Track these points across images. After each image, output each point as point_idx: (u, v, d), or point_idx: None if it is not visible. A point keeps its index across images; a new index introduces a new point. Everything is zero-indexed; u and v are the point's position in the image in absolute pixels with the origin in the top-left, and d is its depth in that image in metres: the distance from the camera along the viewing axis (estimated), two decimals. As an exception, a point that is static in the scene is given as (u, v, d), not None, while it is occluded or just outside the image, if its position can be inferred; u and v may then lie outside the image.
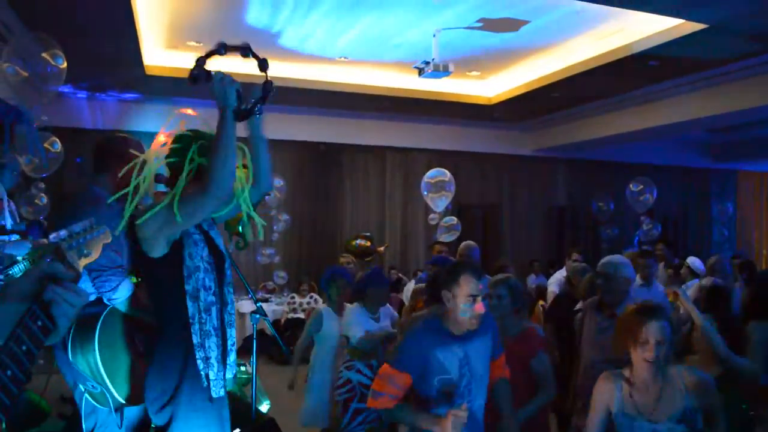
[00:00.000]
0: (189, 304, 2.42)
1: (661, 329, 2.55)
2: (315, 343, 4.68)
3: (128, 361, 2.64)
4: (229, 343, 2.58)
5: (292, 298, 9.40)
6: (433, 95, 9.88)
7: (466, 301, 2.67)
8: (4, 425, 1.01)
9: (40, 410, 4.93)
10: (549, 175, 12.87)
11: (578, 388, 3.87)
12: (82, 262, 1.37)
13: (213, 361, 2.45)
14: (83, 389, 2.70)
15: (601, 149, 11.98)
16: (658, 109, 9.33)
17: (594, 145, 11.46)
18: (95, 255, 1.42)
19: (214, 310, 2.49)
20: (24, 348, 1.06)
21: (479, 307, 2.67)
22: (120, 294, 2.65)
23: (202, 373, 2.41)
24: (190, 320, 2.41)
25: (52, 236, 1.34)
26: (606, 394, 2.74)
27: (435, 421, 2.56)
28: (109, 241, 1.51)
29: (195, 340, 2.40)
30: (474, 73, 9.36)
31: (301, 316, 8.79)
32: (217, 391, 2.45)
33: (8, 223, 3.45)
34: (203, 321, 2.44)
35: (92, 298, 2.65)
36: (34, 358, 1.09)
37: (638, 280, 5.67)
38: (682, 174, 13.55)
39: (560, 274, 7.68)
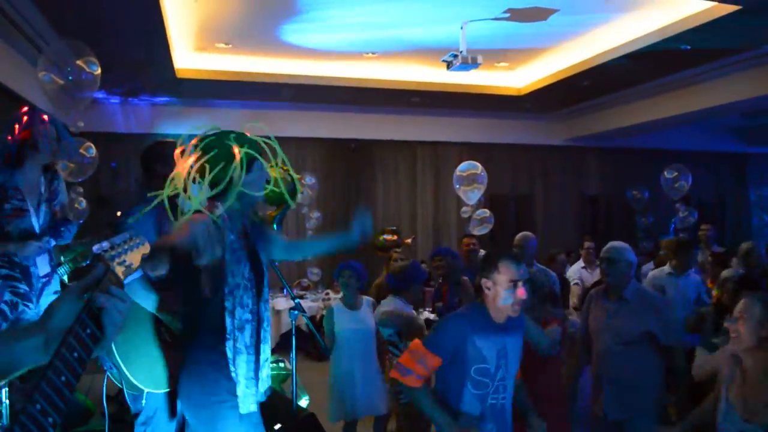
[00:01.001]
0: (227, 320, 2.45)
1: None
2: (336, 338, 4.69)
3: (149, 349, 2.71)
4: (263, 358, 2.62)
5: (327, 294, 9.45)
6: (462, 88, 9.83)
7: (508, 287, 2.65)
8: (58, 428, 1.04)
9: (86, 409, 5.05)
10: (581, 164, 12.73)
11: (597, 376, 3.90)
12: (124, 273, 1.40)
13: (241, 378, 2.48)
14: (107, 369, 2.78)
15: (633, 137, 11.81)
16: (691, 95, 9.16)
17: (626, 132, 11.30)
18: (135, 266, 1.46)
19: (248, 327, 2.52)
20: (75, 355, 1.10)
21: (521, 292, 2.66)
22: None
23: (234, 387, 2.46)
24: (227, 336, 2.45)
25: (95, 247, 1.37)
26: None
27: (452, 425, 2.58)
28: (148, 252, 1.54)
29: (229, 355, 2.45)
30: (503, 64, 9.29)
31: (337, 312, 8.83)
32: (246, 407, 2.48)
33: (37, 226, 3.55)
34: (236, 338, 2.47)
35: None
36: (85, 365, 1.12)
37: (667, 268, 5.60)
38: (717, 159, 13.27)
39: (578, 265, 7.63)
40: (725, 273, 5.44)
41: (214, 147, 2.48)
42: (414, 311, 4.64)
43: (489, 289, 2.70)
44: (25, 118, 3.52)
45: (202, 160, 2.44)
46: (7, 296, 3.34)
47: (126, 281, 2.67)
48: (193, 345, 2.48)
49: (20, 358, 1.16)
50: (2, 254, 3.35)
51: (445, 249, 5.60)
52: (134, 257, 1.46)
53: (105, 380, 2.82)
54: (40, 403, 0.99)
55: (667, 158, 10.50)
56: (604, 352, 3.80)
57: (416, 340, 2.81)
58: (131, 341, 2.69)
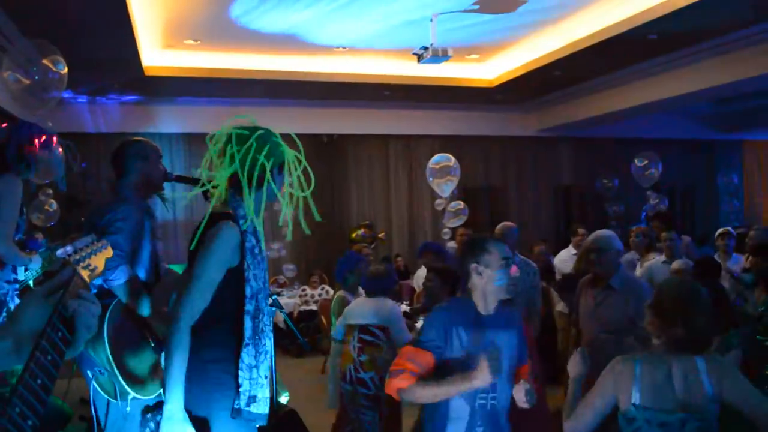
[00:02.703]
0: (248, 325, 2.33)
1: None
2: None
3: (138, 351, 2.69)
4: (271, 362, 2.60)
5: (304, 290, 9.43)
6: (433, 81, 9.87)
7: (500, 267, 2.55)
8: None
9: (63, 413, 4.98)
10: (554, 154, 12.85)
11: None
12: (89, 277, 1.40)
13: (263, 380, 2.39)
14: (90, 375, 2.74)
15: (605, 126, 11.94)
16: (661, 83, 9.29)
17: (598, 122, 11.42)
18: (100, 269, 1.46)
19: (267, 332, 2.44)
20: (49, 358, 1.11)
21: (514, 270, 2.59)
22: (116, 277, 2.70)
23: (246, 392, 2.32)
24: (247, 341, 2.32)
25: (59, 252, 1.38)
26: None
27: (466, 377, 2.38)
28: (111, 256, 1.54)
29: (247, 360, 2.32)
30: (473, 56, 9.34)
31: (314, 307, 8.82)
32: (263, 409, 2.37)
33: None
34: (258, 342, 2.37)
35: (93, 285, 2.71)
36: (59, 368, 1.14)
37: (662, 257, 5.72)
38: (687, 147, 13.49)
39: (567, 252, 7.71)
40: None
41: (257, 144, 2.38)
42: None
43: (480, 273, 2.56)
44: (17, 129, 3.51)
45: (248, 155, 2.35)
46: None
47: (116, 283, 2.66)
48: (202, 350, 2.29)
49: None
50: None
51: (430, 244, 5.62)
52: (98, 260, 1.47)
53: (91, 384, 2.78)
54: (18, 406, 1.00)
55: (638, 146, 10.67)
56: (591, 341, 3.82)
57: (406, 345, 2.66)
58: (122, 345, 2.66)
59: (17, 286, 3.50)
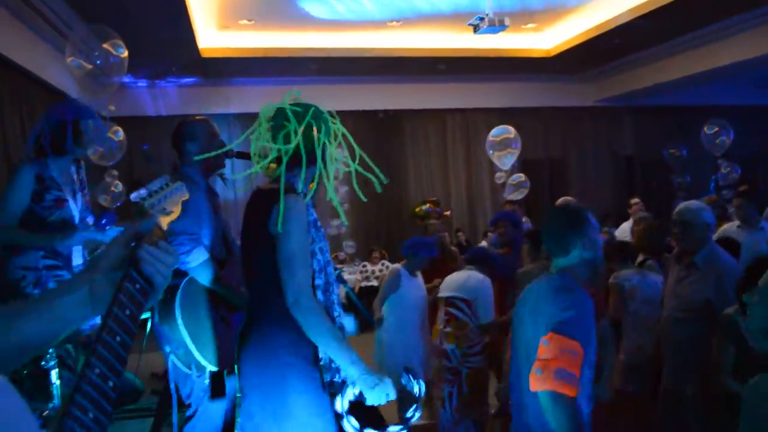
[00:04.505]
0: (319, 297, 2.32)
1: None
2: (388, 304, 4.66)
3: (211, 327, 2.71)
4: None
5: (364, 266, 9.47)
6: (489, 52, 9.65)
7: (599, 240, 2.43)
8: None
9: (135, 388, 5.15)
10: (615, 124, 12.47)
11: (661, 340, 3.77)
12: (164, 220, 1.35)
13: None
14: (168, 350, 2.78)
15: (669, 93, 11.45)
16: (728, 47, 8.83)
17: (660, 90, 10.97)
18: (176, 212, 1.41)
19: (336, 306, 2.43)
20: (128, 312, 1.06)
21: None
22: (193, 259, 2.71)
23: (324, 370, 2.29)
24: None
25: (132, 195, 1.34)
26: None
27: None
28: (187, 197, 1.50)
29: None
30: (530, 25, 9.09)
31: (374, 283, 8.86)
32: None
33: (77, 215, 3.58)
34: (332, 315, 2.35)
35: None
36: (137, 322, 1.08)
37: (737, 222, 5.37)
38: (759, 114, 12.86)
39: (628, 224, 7.49)
40: None
41: (314, 120, 2.39)
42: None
43: (585, 246, 2.33)
44: (62, 107, 3.53)
45: (308, 131, 2.36)
46: (51, 285, 3.38)
47: (193, 265, 2.67)
48: (271, 326, 2.27)
49: (64, 315, 1.11)
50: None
51: (506, 214, 5.53)
52: (173, 204, 1.42)
53: (170, 359, 2.82)
54: (98, 366, 0.95)
55: (706, 114, 10.21)
56: (666, 320, 3.67)
57: (553, 334, 2.17)
58: (201, 325, 2.70)
59: (44, 272, 3.48)
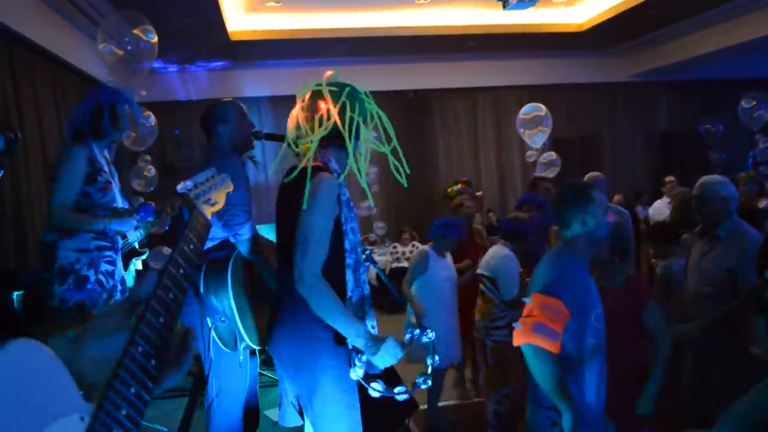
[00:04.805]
0: (350, 278, 2.33)
1: None
2: (416, 286, 4.64)
3: (251, 304, 2.74)
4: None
5: (395, 247, 9.48)
6: (519, 28, 9.49)
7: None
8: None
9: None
10: (649, 99, 12.21)
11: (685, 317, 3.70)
12: (209, 211, 1.37)
13: (371, 329, 2.36)
14: (210, 324, 2.81)
15: (704, 67, 11.17)
16: (766, 18, 8.55)
17: (697, 63, 10.67)
18: (221, 203, 1.44)
19: (366, 286, 2.44)
20: (171, 295, 1.08)
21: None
22: (245, 232, 2.74)
23: (353, 352, 2.28)
24: (350, 294, 2.32)
25: (179, 186, 1.37)
26: None
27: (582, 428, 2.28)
28: (231, 189, 1.53)
29: (351, 311, 2.29)
30: (561, -1, 8.93)
31: (405, 264, 8.86)
32: (361, 370, 2.31)
33: (119, 198, 3.64)
34: (361, 294, 2.39)
35: (217, 238, 2.78)
36: (181, 306, 1.11)
37: None
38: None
39: (662, 202, 7.36)
40: None
41: (349, 100, 2.39)
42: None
43: (585, 223, 2.45)
44: (99, 92, 3.58)
45: (344, 111, 2.36)
46: (103, 266, 3.45)
47: (244, 238, 2.71)
48: (301, 314, 2.26)
49: None
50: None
51: (531, 196, 5.47)
52: (219, 195, 1.44)
53: (210, 332, 2.86)
54: (141, 345, 0.98)
55: (740, 88, 9.93)
56: (692, 295, 3.62)
57: (537, 294, 2.38)
58: (244, 300, 2.73)
59: (101, 253, 3.54)
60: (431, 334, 2.39)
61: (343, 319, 2.19)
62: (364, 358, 2.24)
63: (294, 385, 2.42)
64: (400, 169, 2.41)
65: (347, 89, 2.40)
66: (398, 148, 2.46)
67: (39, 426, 0.83)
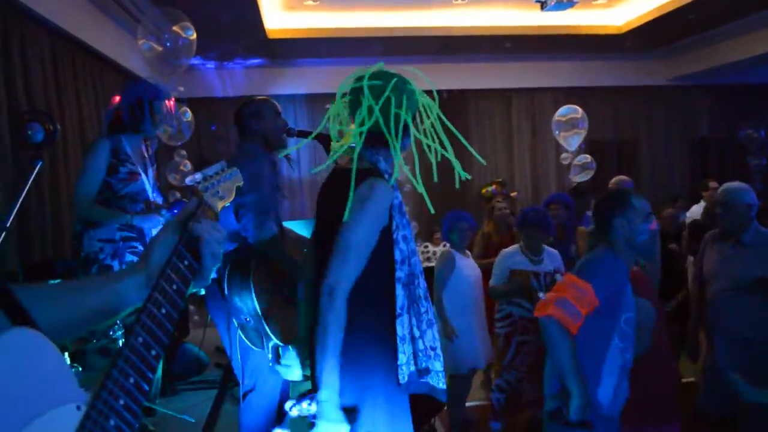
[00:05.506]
0: (400, 292, 2.05)
1: None
2: (444, 289, 4.59)
3: (276, 303, 2.76)
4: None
5: (426, 247, 9.46)
6: (557, 30, 9.40)
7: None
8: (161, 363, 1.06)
9: (200, 360, 5.31)
10: (688, 104, 11.97)
11: (709, 322, 3.71)
12: (219, 204, 1.38)
13: (431, 351, 2.13)
14: (236, 324, 2.84)
15: (746, 71, 10.91)
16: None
17: (738, 67, 10.43)
18: (230, 197, 1.44)
19: (424, 302, 2.15)
20: (174, 287, 1.09)
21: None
22: (265, 233, 2.76)
23: (405, 365, 2.04)
24: (399, 311, 2.04)
25: (188, 179, 1.37)
26: None
27: (583, 409, 2.31)
28: (241, 183, 1.51)
29: (401, 332, 2.04)
30: (600, 1, 8.81)
31: (436, 264, 8.85)
32: (439, 382, 2.15)
33: (150, 189, 3.71)
34: (418, 310, 2.11)
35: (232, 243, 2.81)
36: (185, 297, 1.11)
37: None
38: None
39: (698, 208, 7.24)
40: None
41: (394, 96, 2.16)
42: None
43: (623, 227, 2.51)
44: (140, 86, 3.66)
45: (387, 108, 2.13)
46: (128, 257, 3.52)
47: (265, 237, 2.72)
48: (347, 332, 1.98)
49: (124, 296, 1.16)
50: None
51: (559, 196, 5.44)
52: (228, 188, 1.44)
53: (237, 333, 2.90)
54: (141, 336, 0.98)
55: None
56: (715, 300, 3.60)
57: (570, 274, 2.51)
58: (269, 300, 2.76)
59: (123, 244, 3.59)
60: (313, 408, 1.96)
61: (330, 359, 1.91)
62: (312, 407, 1.94)
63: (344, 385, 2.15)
64: (435, 167, 2.24)
65: (393, 81, 2.17)
66: (447, 145, 2.33)
67: (35, 414, 0.83)
